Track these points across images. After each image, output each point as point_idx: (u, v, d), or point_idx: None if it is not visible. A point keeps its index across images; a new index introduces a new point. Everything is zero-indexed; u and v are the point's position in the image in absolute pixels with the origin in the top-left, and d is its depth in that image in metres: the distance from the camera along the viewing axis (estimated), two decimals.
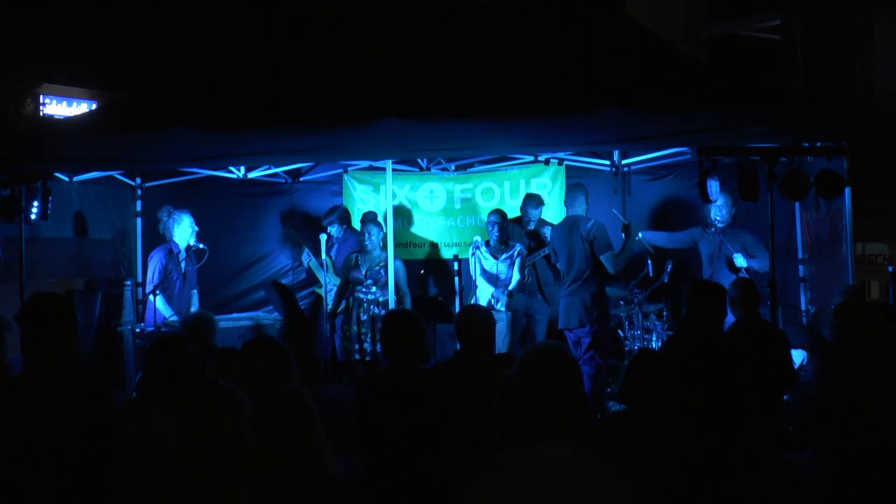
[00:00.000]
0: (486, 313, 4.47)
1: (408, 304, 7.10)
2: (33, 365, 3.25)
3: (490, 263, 7.33)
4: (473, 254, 7.25)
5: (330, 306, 7.34)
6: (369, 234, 7.31)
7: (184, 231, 7.31)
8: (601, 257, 6.57)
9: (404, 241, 8.55)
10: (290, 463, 2.63)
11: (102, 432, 3.22)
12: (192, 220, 7.37)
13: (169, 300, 7.13)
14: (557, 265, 6.94)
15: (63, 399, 3.18)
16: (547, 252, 7.28)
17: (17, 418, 3.16)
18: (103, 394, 3.28)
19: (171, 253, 7.21)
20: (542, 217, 7.84)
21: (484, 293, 7.34)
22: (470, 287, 7.26)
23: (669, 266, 7.16)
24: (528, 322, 7.55)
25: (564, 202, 7.12)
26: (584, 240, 6.61)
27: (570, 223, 6.80)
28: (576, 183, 7.49)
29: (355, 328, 7.23)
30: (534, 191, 8.42)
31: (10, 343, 4.25)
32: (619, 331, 7.61)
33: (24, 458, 3.11)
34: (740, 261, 6.90)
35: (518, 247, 7.38)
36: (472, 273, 7.27)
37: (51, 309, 3.32)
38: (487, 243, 7.45)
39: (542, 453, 2.40)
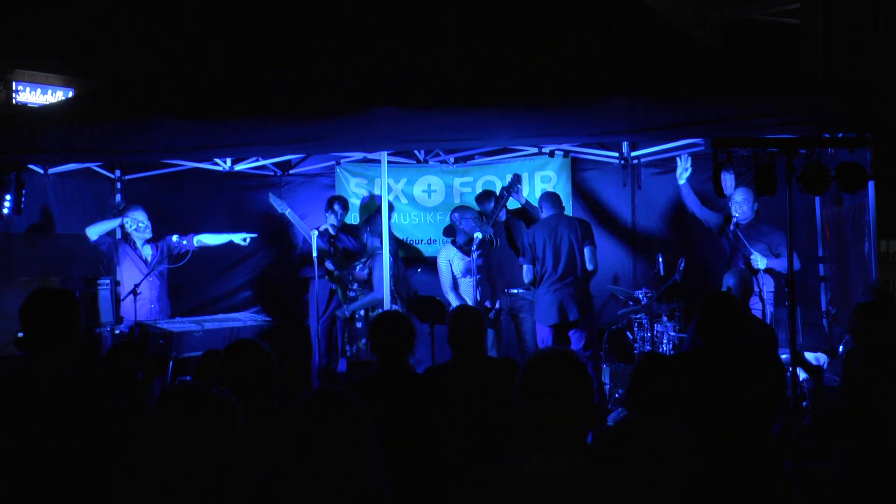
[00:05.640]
0: (478, 315, 4.56)
1: None
2: (34, 365, 3.24)
3: (464, 262, 7.41)
4: (449, 260, 7.39)
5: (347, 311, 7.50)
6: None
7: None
8: (586, 249, 7.02)
9: (400, 237, 8.54)
10: (329, 473, 2.33)
11: (107, 441, 3.18)
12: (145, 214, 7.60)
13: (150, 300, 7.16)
14: (533, 264, 7.09)
15: (67, 404, 3.16)
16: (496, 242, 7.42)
17: (16, 422, 3.15)
18: (111, 401, 3.25)
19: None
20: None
21: (466, 288, 7.40)
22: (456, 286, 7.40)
23: (682, 264, 7.14)
24: (513, 321, 7.65)
25: (540, 207, 7.37)
26: (576, 234, 7.00)
27: (555, 219, 7.15)
28: (550, 192, 7.69)
29: (360, 326, 7.36)
30: (538, 184, 8.44)
31: None
32: (629, 333, 7.61)
33: (23, 463, 3.10)
34: (759, 262, 6.82)
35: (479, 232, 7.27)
36: (449, 275, 7.45)
37: (55, 305, 3.31)
38: (454, 242, 7.51)
39: (542, 467, 2.34)
